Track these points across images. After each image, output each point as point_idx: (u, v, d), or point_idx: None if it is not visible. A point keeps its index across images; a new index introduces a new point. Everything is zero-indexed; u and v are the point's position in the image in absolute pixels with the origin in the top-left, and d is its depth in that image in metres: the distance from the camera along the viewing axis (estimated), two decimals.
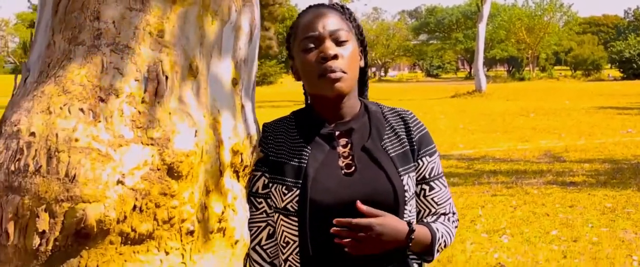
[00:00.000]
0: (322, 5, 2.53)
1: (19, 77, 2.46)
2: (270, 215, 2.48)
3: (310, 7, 2.56)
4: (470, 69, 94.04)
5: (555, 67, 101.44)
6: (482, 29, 46.76)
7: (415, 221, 2.52)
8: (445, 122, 25.96)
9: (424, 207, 2.56)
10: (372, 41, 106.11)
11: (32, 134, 2.09)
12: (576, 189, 11.74)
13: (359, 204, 2.32)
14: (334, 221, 2.29)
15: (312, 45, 2.41)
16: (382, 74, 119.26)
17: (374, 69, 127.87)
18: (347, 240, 2.30)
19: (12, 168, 2.08)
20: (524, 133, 21.68)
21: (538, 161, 15.32)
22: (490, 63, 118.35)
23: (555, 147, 17.60)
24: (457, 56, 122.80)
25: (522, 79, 73.81)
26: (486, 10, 46.29)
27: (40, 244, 2.06)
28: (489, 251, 8.27)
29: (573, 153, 16.32)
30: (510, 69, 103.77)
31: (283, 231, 2.44)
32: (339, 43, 2.40)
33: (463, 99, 42.66)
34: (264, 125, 2.57)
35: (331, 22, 2.43)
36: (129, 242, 2.13)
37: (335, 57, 2.37)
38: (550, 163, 14.84)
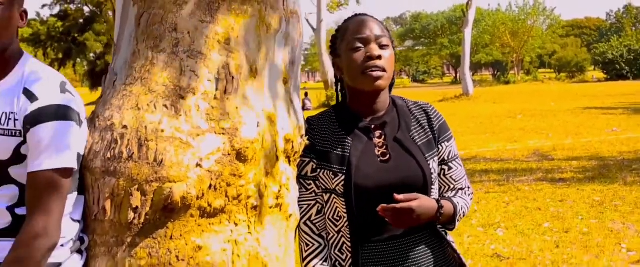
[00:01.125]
0: (365, 14, 2.99)
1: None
2: (318, 195, 2.93)
3: (357, 14, 3.01)
4: (456, 74, 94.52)
5: (540, 70, 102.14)
6: (467, 33, 47.13)
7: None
8: None
9: (445, 184, 3.02)
10: None
11: (125, 126, 2.53)
12: (565, 185, 12.15)
13: (396, 195, 2.75)
14: (381, 207, 2.72)
15: (360, 45, 2.86)
16: None
17: None
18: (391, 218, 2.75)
19: (108, 155, 2.52)
20: (512, 134, 22.08)
21: (527, 160, 15.73)
22: (475, 67, 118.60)
23: (543, 147, 18.02)
24: (443, 61, 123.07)
25: (507, 83, 74.33)
26: (471, 15, 46.68)
27: (133, 218, 2.50)
28: (485, 243, 8.68)
29: (561, 152, 16.74)
30: (496, 73, 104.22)
31: (335, 208, 2.88)
32: (381, 46, 2.85)
33: (451, 103, 42.96)
34: (308, 118, 3.01)
35: (376, 29, 2.89)
36: (206, 215, 2.56)
37: (379, 57, 2.81)
38: (540, 161, 15.25)
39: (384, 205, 2.72)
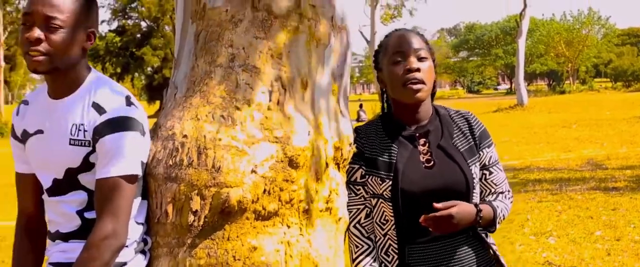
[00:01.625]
0: (406, 29, 3.17)
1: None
2: (367, 199, 3.10)
3: (397, 30, 3.19)
4: (511, 84, 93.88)
5: (596, 80, 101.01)
6: (521, 44, 46.98)
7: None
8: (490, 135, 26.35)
9: (486, 188, 3.18)
10: None
11: (185, 136, 2.74)
12: (618, 194, 12.16)
13: (435, 204, 2.91)
14: (422, 218, 2.89)
15: (399, 59, 3.04)
16: None
17: None
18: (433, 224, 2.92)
19: (170, 163, 2.73)
20: (566, 143, 22.03)
21: (581, 169, 15.74)
22: (530, 77, 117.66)
23: (597, 156, 17.99)
24: (497, 72, 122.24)
25: (562, 92, 73.66)
26: (525, 25, 46.54)
27: (193, 221, 2.71)
28: (537, 251, 8.77)
29: (615, 161, 16.68)
30: (551, 82, 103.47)
31: (382, 212, 3.06)
32: (420, 59, 3.03)
33: (505, 114, 42.84)
34: (357, 128, 3.19)
35: (415, 42, 3.06)
36: (260, 218, 2.76)
37: (418, 70, 2.99)
38: (593, 171, 15.25)
39: (425, 215, 2.88)
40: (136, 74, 75.01)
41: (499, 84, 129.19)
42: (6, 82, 54.79)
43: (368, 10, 47.53)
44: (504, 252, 8.36)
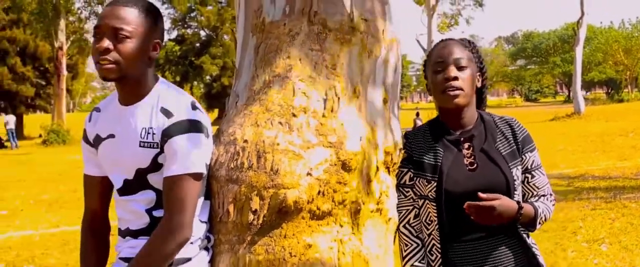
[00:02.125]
0: (451, 39, 3.36)
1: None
2: (415, 201, 3.29)
3: (442, 40, 3.38)
4: (569, 92, 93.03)
5: None
6: (579, 52, 46.67)
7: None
8: (546, 144, 26.16)
9: (528, 191, 3.33)
10: None
11: (245, 141, 2.95)
12: None
13: (480, 194, 3.09)
14: (466, 204, 3.06)
15: (440, 69, 3.22)
16: None
17: None
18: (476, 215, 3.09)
19: (231, 166, 2.95)
20: (623, 152, 21.89)
21: (636, 178, 15.68)
22: (588, 86, 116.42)
23: None
24: (555, 80, 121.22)
25: (621, 101, 72.67)
26: (582, 33, 46.25)
27: (253, 220, 2.92)
28: (588, 258, 8.83)
29: None
30: (609, 91, 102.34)
31: (428, 213, 3.24)
32: (459, 68, 3.21)
33: (562, 122, 42.59)
34: (406, 133, 3.38)
35: (455, 52, 3.24)
36: (315, 217, 2.96)
37: (456, 78, 3.17)
38: None
39: (470, 202, 3.05)
40: (195, 83, 75.77)
41: (556, 92, 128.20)
42: (68, 91, 55.56)
43: (425, 19, 47.69)
44: (556, 259, 8.50)
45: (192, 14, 71.39)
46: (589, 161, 20.33)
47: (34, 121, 59.93)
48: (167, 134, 2.87)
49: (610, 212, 11.74)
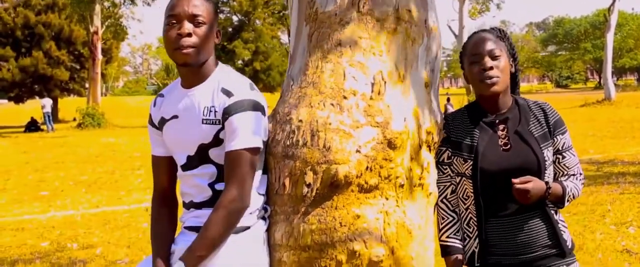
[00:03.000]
0: (484, 30, 3.64)
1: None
2: (453, 177, 3.57)
3: (475, 32, 3.66)
4: (600, 78, 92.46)
5: None
6: (610, 38, 46.54)
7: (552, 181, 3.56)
8: (575, 130, 26.22)
9: (559, 170, 3.60)
10: None
11: (300, 120, 3.25)
12: None
13: (513, 180, 3.35)
14: (514, 181, 3.32)
15: (476, 60, 3.50)
16: None
17: None
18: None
19: (287, 143, 3.25)
20: None
21: None
22: (619, 72, 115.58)
23: None
24: (586, 66, 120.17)
25: None
26: (614, 20, 46.09)
27: (306, 192, 3.23)
28: (616, 240, 9.09)
29: None
30: None
31: (465, 189, 3.53)
32: (493, 58, 3.48)
33: (592, 108, 42.55)
34: (446, 115, 3.66)
35: (489, 43, 3.51)
36: (363, 191, 3.25)
37: (491, 68, 3.45)
38: None
39: (514, 185, 3.32)
40: None
41: (587, 79, 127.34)
42: (102, 75, 55.97)
43: (456, 5, 47.71)
44: (584, 241, 8.74)
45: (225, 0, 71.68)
46: (618, 146, 20.49)
47: (68, 105, 60.39)
48: (228, 112, 3.16)
49: (639, 197, 11.99)
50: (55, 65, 56.77)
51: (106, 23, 50.96)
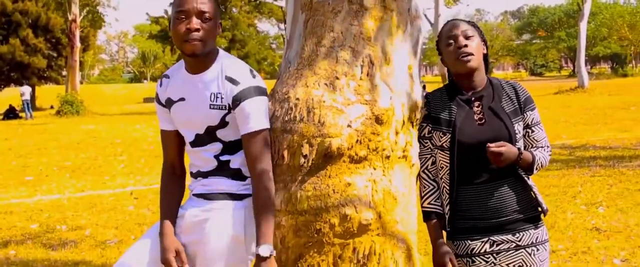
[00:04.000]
0: (456, 18, 4.06)
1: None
2: (433, 150, 3.95)
3: (448, 21, 4.04)
4: (574, 67, 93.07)
5: None
6: (583, 27, 46.92)
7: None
8: (549, 116, 26.63)
9: (529, 143, 3.98)
10: None
11: (297, 99, 3.63)
12: None
13: (489, 144, 3.75)
14: (489, 145, 3.71)
15: (451, 41, 3.88)
16: None
17: None
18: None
19: (286, 119, 3.63)
20: (624, 124, 22.45)
21: (635, 148, 16.40)
22: (593, 60, 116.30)
23: None
24: (561, 55, 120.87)
25: (625, 76, 72.90)
26: (587, 8, 46.47)
27: (303, 163, 3.61)
28: (586, 219, 9.55)
29: None
30: (614, 66, 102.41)
31: (440, 160, 3.92)
32: (467, 37, 3.86)
33: (566, 96, 42.98)
34: (426, 94, 4.05)
35: (462, 26, 3.90)
36: (353, 161, 3.64)
37: (466, 45, 3.83)
38: None
39: (488, 149, 3.72)
40: None
41: (561, 67, 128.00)
42: (80, 63, 55.94)
43: None
44: (556, 220, 9.16)
45: None
46: (590, 132, 20.92)
47: (46, 93, 60.39)
48: (238, 99, 3.54)
49: (609, 179, 12.44)
50: (33, 53, 56.76)
51: (84, 11, 50.98)
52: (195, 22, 3.53)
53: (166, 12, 73.72)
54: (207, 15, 3.55)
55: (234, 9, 70.29)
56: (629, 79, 68.21)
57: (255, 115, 3.55)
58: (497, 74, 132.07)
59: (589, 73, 51.39)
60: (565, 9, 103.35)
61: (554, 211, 9.98)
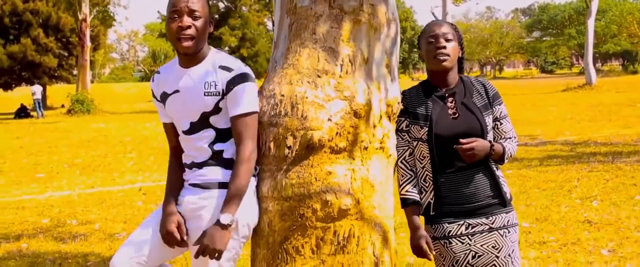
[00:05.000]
0: (439, 20, 4.36)
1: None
2: (410, 142, 4.25)
3: (432, 21, 4.35)
4: None
5: None
6: (591, 24, 46.91)
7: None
8: (555, 113, 26.84)
9: (498, 134, 4.28)
10: (486, 40, 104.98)
11: (282, 95, 3.96)
12: None
13: (461, 140, 4.07)
14: (455, 146, 4.04)
15: (432, 40, 4.18)
16: (497, 71, 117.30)
17: (488, 67, 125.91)
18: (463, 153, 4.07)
19: (272, 113, 3.96)
20: (628, 121, 22.72)
21: (635, 144, 16.68)
22: (604, 58, 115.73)
23: None
24: (571, 52, 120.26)
25: (634, 72, 72.71)
26: (594, 5, 46.46)
27: (288, 153, 3.94)
28: (580, 212, 9.82)
29: None
30: (624, 63, 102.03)
31: (421, 151, 4.22)
32: (447, 40, 4.17)
33: (573, 93, 42.99)
34: (403, 91, 4.36)
35: (443, 28, 4.21)
36: (334, 152, 3.97)
37: (444, 47, 4.14)
38: None
39: (456, 146, 4.03)
40: None
41: (572, 64, 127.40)
42: (90, 62, 56.11)
43: None
44: (549, 213, 9.41)
45: None
46: (593, 129, 21.08)
47: (57, 92, 60.58)
48: (232, 83, 3.88)
49: (606, 174, 12.70)
50: (44, 53, 56.72)
51: (95, 10, 51.19)
52: (187, 20, 3.86)
53: None
54: (197, 13, 3.88)
55: (243, 8, 70.31)
56: (638, 76, 67.97)
57: (246, 99, 3.88)
58: (507, 71, 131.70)
59: (598, 70, 51.35)
60: (575, 6, 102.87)
61: (549, 205, 10.29)
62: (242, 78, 3.90)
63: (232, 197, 3.81)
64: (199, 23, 3.90)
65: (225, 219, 3.75)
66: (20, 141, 27.10)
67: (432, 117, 4.17)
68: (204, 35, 3.96)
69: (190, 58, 3.99)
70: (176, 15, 3.89)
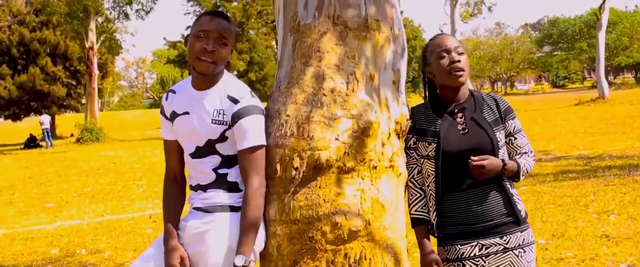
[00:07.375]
0: (446, 33, 4.25)
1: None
2: (418, 160, 4.15)
3: (437, 35, 4.24)
4: None
5: None
6: (601, 37, 46.80)
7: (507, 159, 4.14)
8: (568, 127, 26.69)
9: (513, 149, 4.16)
10: (496, 56, 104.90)
11: (288, 115, 3.86)
12: None
13: (472, 158, 3.95)
14: (472, 158, 3.91)
15: (445, 54, 4.08)
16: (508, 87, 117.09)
17: (499, 84, 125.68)
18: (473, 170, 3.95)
19: (278, 134, 3.86)
20: None
21: None
22: (616, 70, 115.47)
23: None
24: (583, 65, 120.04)
25: None
26: (605, 18, 46.37)
27: (295, 175, 3.82)
28: (597, 226, 9.64)
29: None
30: (637, 75, 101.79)
31: (427, 168, 4.11)
32: (459, 54, 4.07)
33: (586, 107, 42.84)
34: (412, 107, 4.25)
35: (454, 42, 4.11)
36: (342, 172, 3.85)
37: (459, 61, 4.04)
38: None
39: (470, 162, 3.92)
40: None
41: (584, 78, 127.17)
42: (98, 90, 56.24)
43: (448, 8, 48.16)
44: (566, 228, 9.24)
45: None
46: (607, 142, 20.91)
47: (66, 121, 60.69)
48: (237, 116, 3.80)
49: (622, 187, 12.49)
50: (52, 82, 56.92)
51: (102, 38, 51.36)
52: (213, 44, 3.82)
53: (183, 36, 74.16)
54: (225, 41, 3.85)
55: (251, 31, 70.47)
56: None
57: (252, 132, 3.79)
58: (519, 87, 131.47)
59: (611, 83, 51.14)
60: (585, 19, 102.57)
61: (566, 220, 10.12)
62: (247, 111, 3.82)
63: (245, 236, 3.74)
64: (223, 51, 3.87)
65: (239, 261, 3.67)
66: (29, 171, 27.09)
67: (440, 133, 4.07)
68: (224, 63, 3.92)
69: (205, 81, 3.94)
70: (203, 35, 3.85)
